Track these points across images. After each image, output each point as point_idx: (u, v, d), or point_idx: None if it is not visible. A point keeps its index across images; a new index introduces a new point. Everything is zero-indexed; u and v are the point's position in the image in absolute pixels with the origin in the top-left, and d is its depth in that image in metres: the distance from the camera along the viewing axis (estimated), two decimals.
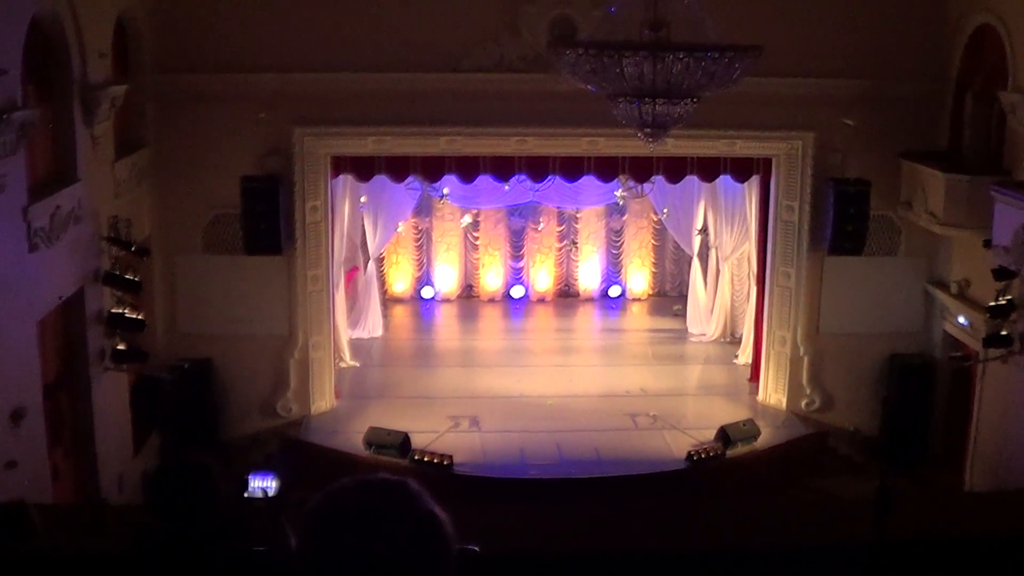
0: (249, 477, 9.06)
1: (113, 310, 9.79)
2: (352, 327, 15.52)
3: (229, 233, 11.71)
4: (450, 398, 12.85)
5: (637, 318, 17.75)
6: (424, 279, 18.22)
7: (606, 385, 13.47)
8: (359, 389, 13.32)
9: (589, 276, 18.82)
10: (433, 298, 17.82)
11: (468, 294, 18.64)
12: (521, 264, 18.77)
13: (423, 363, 14.59)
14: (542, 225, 18.25)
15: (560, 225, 18.68)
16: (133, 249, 9.96)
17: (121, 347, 9.78)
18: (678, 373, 14.25)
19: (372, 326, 15.87)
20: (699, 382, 14.10)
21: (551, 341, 15.88)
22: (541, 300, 18.68)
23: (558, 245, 18.74)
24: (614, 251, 18.83)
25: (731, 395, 13.13)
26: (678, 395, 13.32)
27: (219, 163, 11.46)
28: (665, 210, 16.07)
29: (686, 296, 16.87)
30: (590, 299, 18.73)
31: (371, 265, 16.06)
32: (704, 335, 15.81)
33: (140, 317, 9.93)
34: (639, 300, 18.62)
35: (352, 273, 15.14)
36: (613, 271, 18.95)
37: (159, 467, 3.56)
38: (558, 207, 18.31)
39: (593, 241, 18.64)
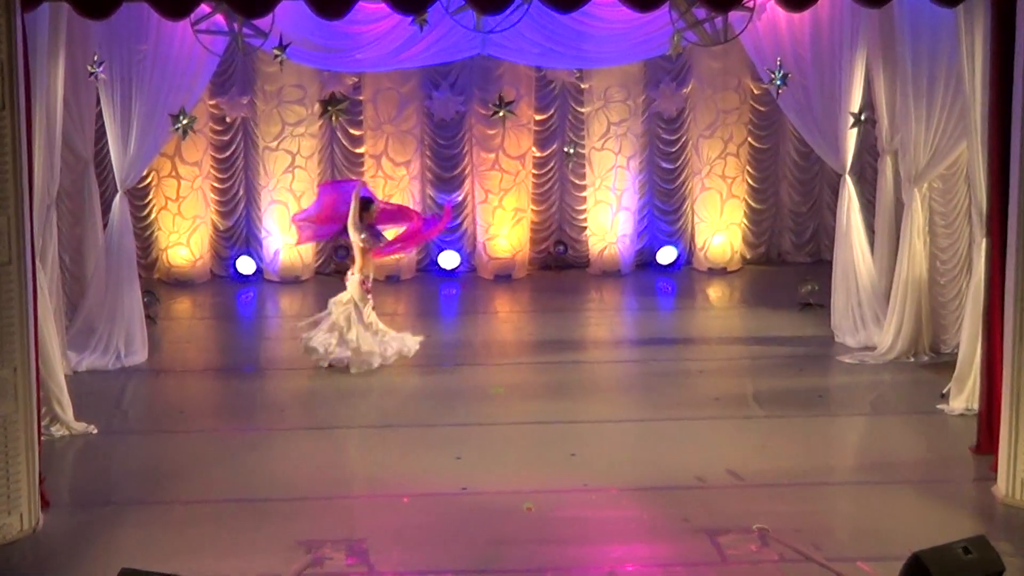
0: None
1: None
2: (79, 349, 15.55)
3: None
4: (304, 501, 12.88)
5: (718, 314, 17.92)
6: (240, 235, 18.45)
7: (650, 465, 13.57)
8: (97, 486, 13.35)
9: (608, 224, 19.06)
10: (257, 276, 18.22)
11: (340, 266, 18.68)
12: (456, 197, 19.03)
13: (242, 424, 14.68)
14: (503, 110, 18.01)
15: (544, 112, 18.89)
16: None
17: None
18: (813, 435, 14.31)
19: (125, 344, 15.93)
20: (861, 454, 14.24)
21: (527, 369, 16.22)
22: (503, 277, 18.99)
23: (537, 154, 18.99)
24: (666, 165, 19.06)
25: (934, 483, 13.11)
26: (815, 484, 13.25)
27: None
28: (779, 72, 15.80)
29: (829, 263, 17.01)
30: (612, 273, 18.98)
31: (117, 206, 15.88)
32: (871, 349, 15.99)
33: None
34: (722, 273, 18.92)
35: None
36: (663, 213, 19.30)
37: None
38: (538, 68, 18.55)
39: (618, 146, 18.78)
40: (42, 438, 12.79)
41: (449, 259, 18.60)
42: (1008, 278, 12.65)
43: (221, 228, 18.96)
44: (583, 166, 18.99)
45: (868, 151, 16.54)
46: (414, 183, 18.64)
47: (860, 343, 16.23)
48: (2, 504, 12.09)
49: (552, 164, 19.12)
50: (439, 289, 18.40)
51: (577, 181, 19.12)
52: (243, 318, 17.45)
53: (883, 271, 16.26)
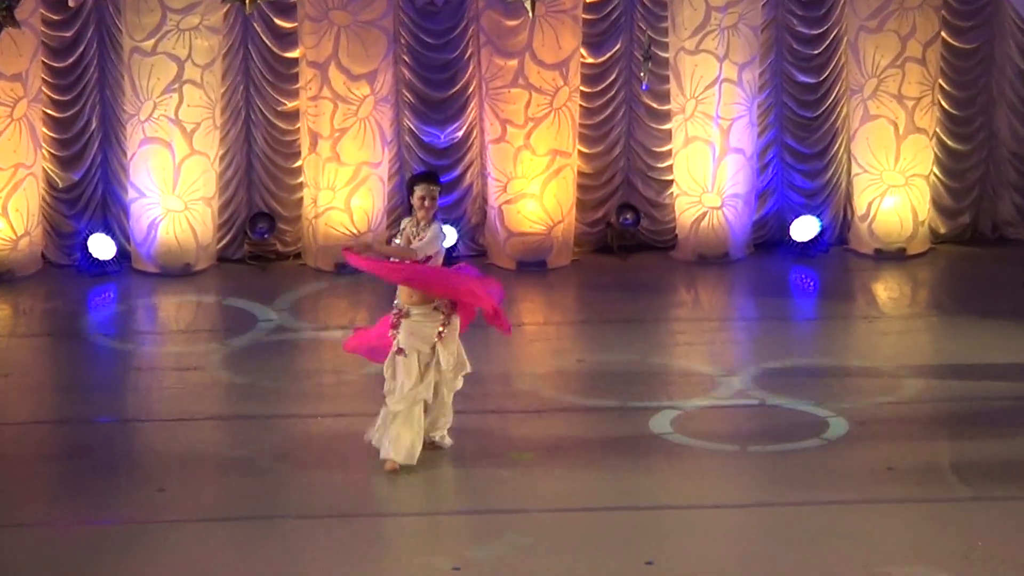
0: None
1: None
2: None
3: None
4: None
5: (893, 326, 18.07)
6: (92, 198, 18.82)
7: None
8: None
9: (708, 178, 19.28)
10: (122, 265, 18.54)
11: (258, 247, 19.18)
12: (455, 133, 19.58)
13: (94, 512, 14.50)
14: None
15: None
16: None
17: None
18: None
19: None
20: None
21: (573, 419, 16.43)
22: (531, 265, 19.20)
23: (590, 61, 19.53)
24: (804, 78, 19.73)
25: None
26: None
27: None
28: None
29: None
30: (714, 259, 19.30)
31: None
32: None
33: None
34: (899, 259, 19.22)
35: None
36: (799, 158, 19.89)
37: None
38: None
39: (723, 48, 18.96)
40: None
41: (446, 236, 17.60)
42: None
43: (60, 185, 18.79)
44: (666, 81, 18.69)
45: None
46: (382, 109, 18.44)
47: None
48: None
49: (614, 78, 19.02)
50: None
51: (656, 106, 18.96)
52: (97, 333, 17.53)
53: None
